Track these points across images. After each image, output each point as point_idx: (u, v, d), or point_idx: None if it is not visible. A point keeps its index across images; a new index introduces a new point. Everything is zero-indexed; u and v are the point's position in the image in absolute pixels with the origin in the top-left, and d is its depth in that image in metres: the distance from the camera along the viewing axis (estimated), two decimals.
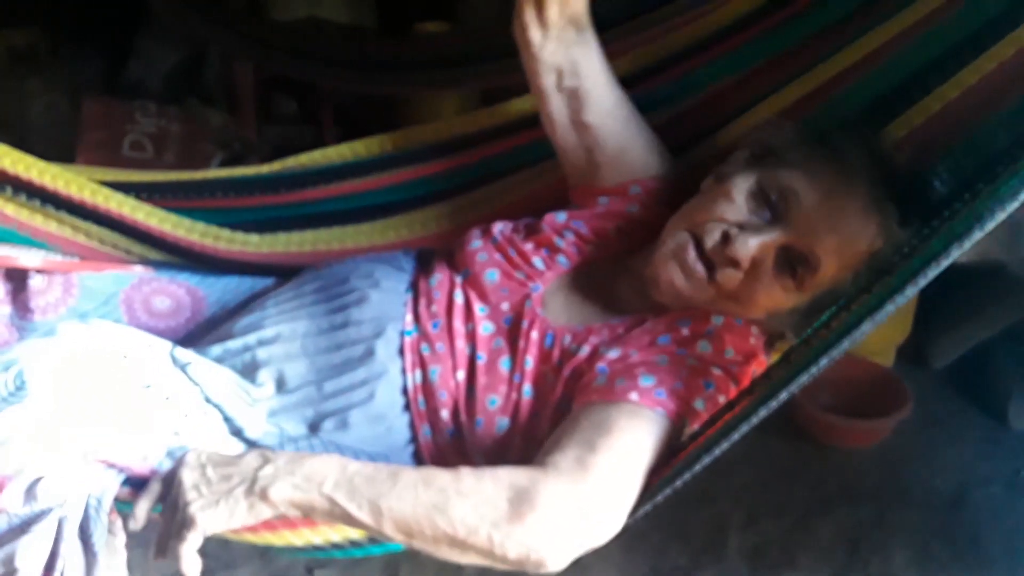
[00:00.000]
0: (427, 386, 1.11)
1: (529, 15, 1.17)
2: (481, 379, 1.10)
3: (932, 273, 0.83)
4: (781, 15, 1.28)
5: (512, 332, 1.13)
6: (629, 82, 1.31)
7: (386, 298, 1.17)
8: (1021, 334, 2.33)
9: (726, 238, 1.07)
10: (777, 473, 2.12)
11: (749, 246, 1.05)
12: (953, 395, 2.35)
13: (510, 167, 1.39)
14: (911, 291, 0.83)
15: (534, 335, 1.12)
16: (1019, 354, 2.32)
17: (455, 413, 1.10)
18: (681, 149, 1.32)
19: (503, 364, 1.11)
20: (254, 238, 1.36)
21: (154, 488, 0.96)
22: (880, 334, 2.29)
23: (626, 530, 0.97)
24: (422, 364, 1.12)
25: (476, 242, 1.21)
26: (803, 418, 2.19)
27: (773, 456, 2.14)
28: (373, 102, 2.77)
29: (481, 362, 1.11)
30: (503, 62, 1.82)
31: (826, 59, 1.22)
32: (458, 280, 1.18)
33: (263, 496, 0.91)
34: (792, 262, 1.07)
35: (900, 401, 2.16)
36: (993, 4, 1.11)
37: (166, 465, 0.98)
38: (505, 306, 1.15)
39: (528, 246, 1.21)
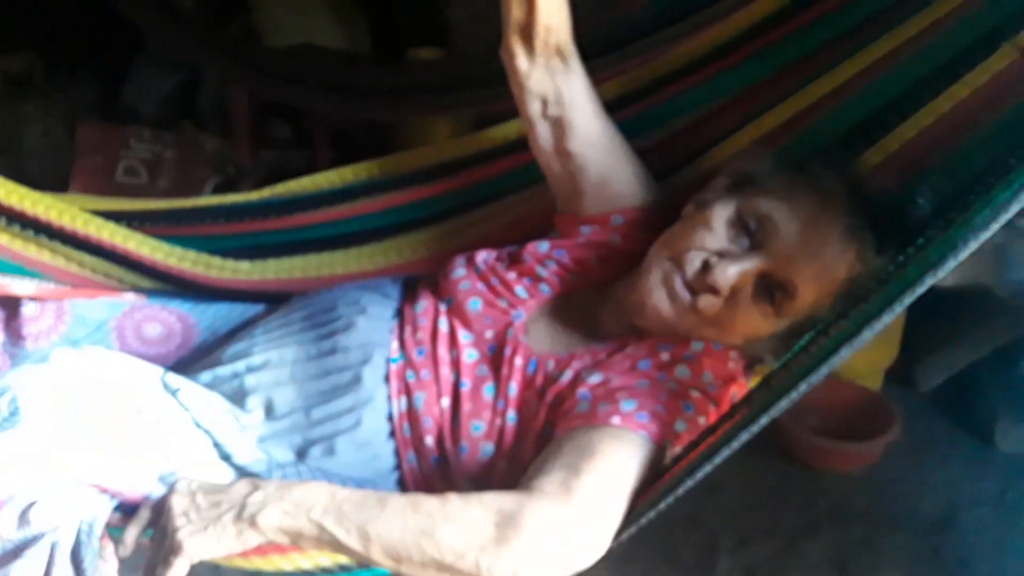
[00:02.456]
0: (412, 413, 1.12)
1: (515, 43, 1.18)
2: (465, 406, 1.11)
3: (908, 300, 0.84)
4: (760, 43, 1.30)
5: (496, 359, 1.14)
6: (613, 107, 1.33)
7: (373, 325, 1.18)
8: (1007, 357, 2.34)
9: (706, 266, 1.09)
10: (766, 496, 2.12)
11: (728, 274, 1.07)
12: (940, 418, 2.36)
13: (497, 192, 1.41)
14: (888, 318, 0.84)
15: (518, 362, 1.13)
16: (1005, 377, 2.34)
17: (440, 440, 1.11)
18: (664, 175, 1.34)
19: (487, 391, 1.12)
20: (245, 265, 1.37)
21: (144, 514, 0.98)
22: (868, 358, 2.31)
23: (615, 552, 0.98)
24: (407, 391, 1.13)
25: (459, 271, 1.22)
26: (792, 441, 2.20)
27: (762, 479, 2.15)
28: (368, 126, 2.79)
29: (465, 389, 1.12)
30: (495, 88, 1.84)
31: (805, 87, 1.24)
32: (442, 308, 1.20)
33: (252, 523, 0.92)
34: (771, 289, 1.08)
35: (888, 424, 2.17)
36: (966, 33, 1.14)
37: (157, 491, 0.99)
38: (489, 334, 1.17)
39: (511, 275, 1.22)
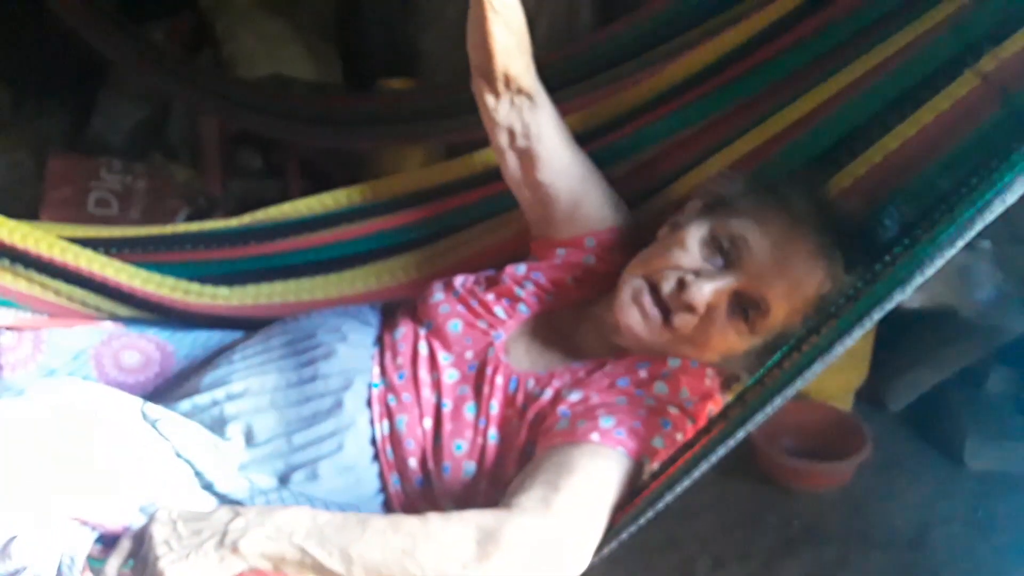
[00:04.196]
0: (395, 436, 1.13)
1: (480, 83, 1.21)
2: (447, 426, 1.12)
3: (877, 316, 0.86)
4: (729, 73, 1.34)
5: (477, 379, 1.16)
6: (586, 138, 1.35)
7: (353, 352, 1.19)
8: (974, 376, 2.39)
9: (682, 284, 1.11)
10: (742, 517, 2.14)
11: (704, 292, 1.10)
12: (911, 437, 2.40)
13: (473, 218, 1.43)
14: (858, 333, 0.86)
15: (499, 380, 1.14)
16: (972, 395, 2.39)
17: (423, 461, 1.12)
18: (640, 198, 1.36)
19: (468, 410, 1.13)
20: (223, 291, 1.38)
21: (125, 545, 0.97)
22: (838, 379, 2.34)
23: (592, 574, 0.99)
24: (389, 415, 1.14)
25: (438, 295, 1.24)
26: (766, 462, 2.22)
27: (737, 500, 2.17)
28: (339, 156, 2.80)
29: (447, 409, 1.13)
30: (465, 118, 1.86)
31: (774, 114, 1.28)
32: (422, 332, 1.21)
33: (234, 549, 0.92)
34: (744, 306, 1.11)
35: (859, 444, 2.20)
36: (929, 61, 1.18)
37: (139, 521, 0.98)
38: (469, 354, 1.18)
39: (489, 296, 1.24)
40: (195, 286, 1.36)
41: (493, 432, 1.12)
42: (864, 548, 2.06)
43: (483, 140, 1.34)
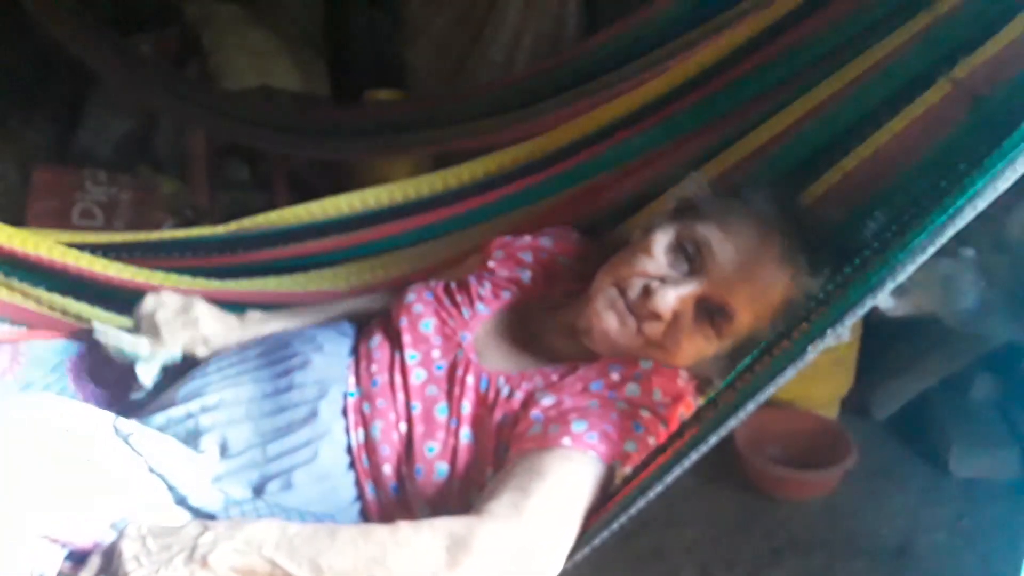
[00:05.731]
0: (370, 443, 1.12)
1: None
2: (418, 428, 1.12)
3: (849, 321, 0.85)
4: (714, 85, 1.36)
5: (446, 379, 1.15)
6: (578, 146, 1.40)
7: (329, 361, 1.19)
8: (958, 384, 2.40)
9: (647, 291, 1.12)
10: (728, 526, 2.14)
11: (668, 299, 1.10)
12: (896, 445, 2.40)
13: (449, 230, 1.46)
14: (830, 337, 0.86)
15: (469, 380, 1.14)
16: (957, 403, 2.39)
17: (397, 466, 1.11)
18: (627, 208, 1.39)
19: (439, 411, 1.13)
20: (215, 283, 1.40)
21: (94, 561, 0.96)
22: (823, 387, 2.34)
23: None
24: (364, 423, 1.13)
25: (412, 295, 1.25)
26: (752, 471, 2.22)
27: (723, 509, 2.17)
28: (325, 167, 2.80)
29: (416, 412, 1.13)
30: (451, 128, 1.89)
31: (757, 126, 1.30)
32: (395, 335, 1.21)
33: (203, 563, 0.91)
34: (710, 312, 1.12)
35: (845, 452, 2.20)
36: (904, 73, 1.19)
37: (109, 538, 0.98)
38: (436, 354, 1.18)
39: (459, 297, 1.25)
40: (186, 279, 1.39)
41: (466, 431, 1.11)
42: (850, 556, 2.06)
43: (471, 151, 1.35)
